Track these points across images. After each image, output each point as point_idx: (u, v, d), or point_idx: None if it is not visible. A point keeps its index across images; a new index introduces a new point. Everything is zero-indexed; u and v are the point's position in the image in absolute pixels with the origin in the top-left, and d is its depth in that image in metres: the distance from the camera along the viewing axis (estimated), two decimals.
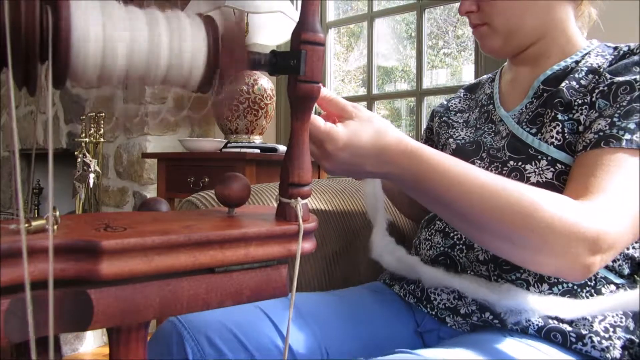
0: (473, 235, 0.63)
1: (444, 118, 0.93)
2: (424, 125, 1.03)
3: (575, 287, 0.68)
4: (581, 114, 0.69)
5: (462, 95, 0.97)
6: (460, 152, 0.82)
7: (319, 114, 0.65)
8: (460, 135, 0.86)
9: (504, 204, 0.56)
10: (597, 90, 0.69)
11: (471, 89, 0.97)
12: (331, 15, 2.36)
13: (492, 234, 0.59)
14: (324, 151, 0.58)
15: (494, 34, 0.77)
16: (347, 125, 0.58)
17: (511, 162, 0.73)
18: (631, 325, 0.68)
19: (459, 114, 0.92)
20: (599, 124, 0.65)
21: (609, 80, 0.68)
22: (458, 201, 0.58)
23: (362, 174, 0.63)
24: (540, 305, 0.66)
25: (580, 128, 0.69)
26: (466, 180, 0.58)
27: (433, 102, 2.07)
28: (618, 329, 0.67)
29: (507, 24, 0.76)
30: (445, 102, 0.98)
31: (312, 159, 0.62)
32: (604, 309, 0.66)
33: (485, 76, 0.98)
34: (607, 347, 0.65)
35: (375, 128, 0.59)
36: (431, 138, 0.98)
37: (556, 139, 0.70)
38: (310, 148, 0.57)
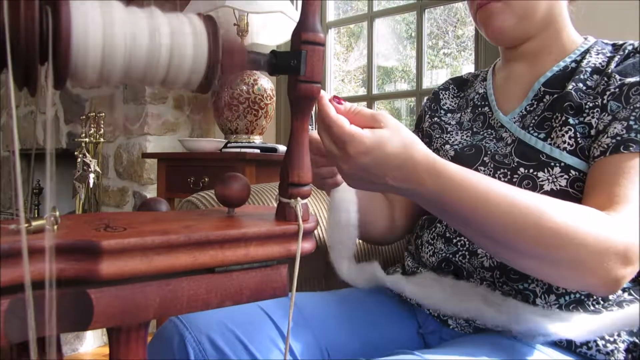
0: (498, 252, 0.60)
1: (435, 119, 0.90)
2: None
3: (582, 297, 0.67)
4: (592, 117, 0.68)
5: (451, 89, 0.93)
6: (460, 159, 0.78)
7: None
8: (456, 139, 0.83)
9: (535, 224, 0.54)
10: (607, 93, 0.68)
11: (460, 85, 0.94)
12: (331, 15, 2.35)
13: (523, 253, 0.56)
14: (345, 153, 0.53)
15: (508, 10, 0.75)
16: (374, 132, 0.53)
17: (521, 169, 0.71)
18: (635, 328, 0.67)
19: (449, 114, 0.89)
20: (615, 127, 0.64)
21: (619, 82, 0.68)
22: (486, 221, 0.55)
23: (379, 185, 0.57)
24: (554, 329, 0.64)
25: (592, 132, 0.68)
26: (495, 199, 0.55)
27: None
28: (622, 332, 0.66)
29: (526, 1, 0.74)
30: (436, 90, 0.94)
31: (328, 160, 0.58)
32: (616, 326, 0.65)
33: (472, 73, 0.94)
34: (612, 351, 0.65)
35: (403, 139, 0.54)
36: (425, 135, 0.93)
37: (569, 144, 0.68)
38: (331, 148, 0.54)
